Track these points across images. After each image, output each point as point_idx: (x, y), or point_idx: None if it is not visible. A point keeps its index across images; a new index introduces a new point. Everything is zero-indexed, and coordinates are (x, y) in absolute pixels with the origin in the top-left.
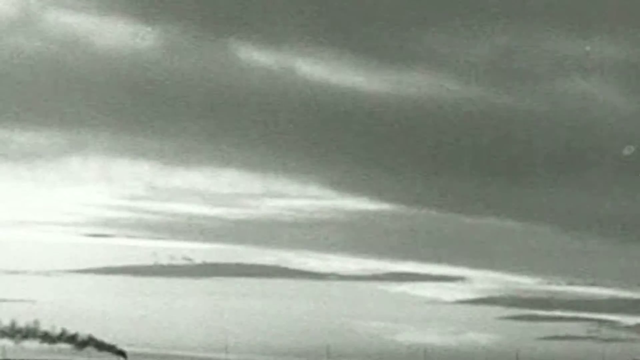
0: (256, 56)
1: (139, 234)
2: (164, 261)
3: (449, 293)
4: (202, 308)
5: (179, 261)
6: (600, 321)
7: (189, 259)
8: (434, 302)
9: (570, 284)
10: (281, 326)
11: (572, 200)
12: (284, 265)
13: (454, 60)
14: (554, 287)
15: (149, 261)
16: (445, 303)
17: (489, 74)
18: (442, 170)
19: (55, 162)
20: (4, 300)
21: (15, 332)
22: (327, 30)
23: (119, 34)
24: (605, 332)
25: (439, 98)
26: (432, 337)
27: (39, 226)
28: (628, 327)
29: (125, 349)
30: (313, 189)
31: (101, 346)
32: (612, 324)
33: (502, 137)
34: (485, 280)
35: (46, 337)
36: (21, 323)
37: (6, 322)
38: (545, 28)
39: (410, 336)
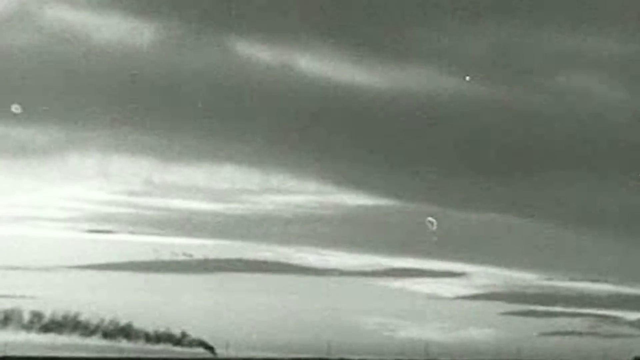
0: (255, 52)
1: (138, 230)
2: (166, 257)
3: (450, 289)
4: (203, 304)
5: (180, 257)
6: (602, 317)
7: (190, 255)
8: (434, 297)
9: (572, 279)
10: (282, 322)
11: (573, 195)
12: (283, 261)
13: (453, 55)
14: (556, 283)
15: (150, 257)
16: (446, 299)
17: (487, 69)
18: (442, 166)
19: (54, 158)
20: (5, 297)
21: (56, 326)
22: (326, 26)
23: (116, 30)
24: (607, 327)
25: (438, 93)
26: (432, 333)
27: (38, 222)
28: (630, 323)
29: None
30: (312, 185)
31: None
32: (614, 320)
33: (502, 132)
34: (485, 276)
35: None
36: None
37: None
38: (544, 23)
39: (410, 332)
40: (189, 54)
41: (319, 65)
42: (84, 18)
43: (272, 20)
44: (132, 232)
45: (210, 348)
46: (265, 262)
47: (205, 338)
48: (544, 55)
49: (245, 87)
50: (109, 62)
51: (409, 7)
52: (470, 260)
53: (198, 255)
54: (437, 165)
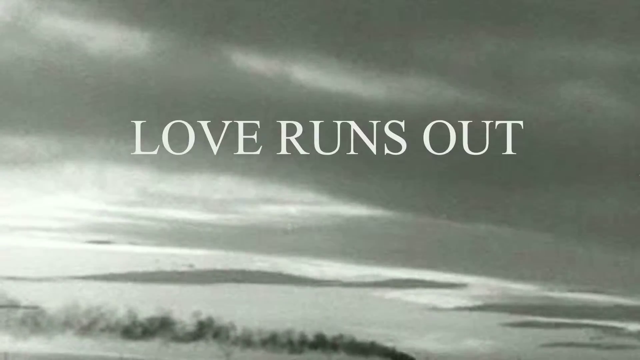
0: (250, 62)
1: (135, 240)
2: (167, 268)
3: (449, 300)
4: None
5: (180, 267)
6: (603, 328)
7: (191, 265)
8: (432, 308)
9: (572, 290)
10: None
11: (573, 206)
12: (279, 271)
13: (449, 66)
14: (556, 294)
15: (150, 268)
16: (444, 310)
17: (484, 79)
18: (439, 177)
19: (51, 168)
20: (4, 307)
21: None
22: (321, 37)
23: (112, 40)
24: (608, 339)
25: (434, 103)
26: (431, 344)
27: (34, 232)
28: (631, 334)
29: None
30: (308, 195)
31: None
32: (615, 331)
33: (499, 142)
34: (485, 287)
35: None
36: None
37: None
38: (541, 34)
39: (409, 343)
40: (184, 64)
41: (313, 75)
42: (79, 28)
43: (268, 30)
44: (131, 243)
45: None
46: (261, 273)
47: (206, 349)
48: (541, 66)
49: (240, 97)
50: (104, 71)
51: (405, 19)
52: (470, 271)
53: (198, 265)
54: (435, 176)
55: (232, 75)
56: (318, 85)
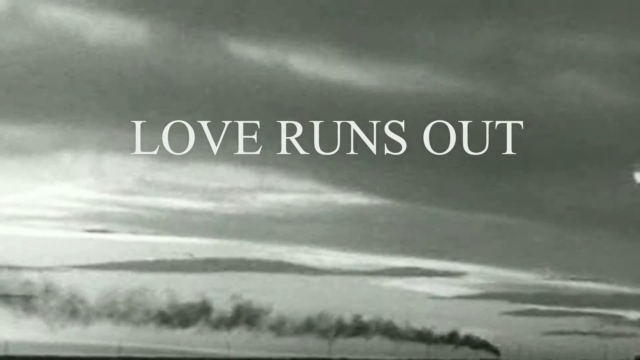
0: (248, 51)
1: (133, 229)
2: (167, 257)
3: (447, 288)
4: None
5: (181, 256)
6: (603, 316)
7: (190, 254)
8: (432, 297)
9: (573, 279)
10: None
11: (573, 195)
12: (277, 260)
13: (447, 55)
14: (557, 283)
15: (149, 256)
16: (444, 298)
17: (483, 68)
18: (437, 165)
19: (47, 157)
20: (7, 296)
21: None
22: (319, 26)
23: (110, 29)
24: (609, 327)
25: (432, 92)
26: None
27: (33, 221)
28: (631, 322)
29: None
30: (307, 184)
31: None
32: (616, 319)
33: (498, 132)
34: (485, 276)
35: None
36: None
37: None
38: (540, 23)
39: None
40: (182, 53)
41: (312, 64)
42: (76, 17)
43: (266, 19)
44: (130, 232)
45: (495, 351)
46: (260, 261)
47: (207, 338)
48: (540, 55)
49: (238, 86)
50: (101, 61)
51: (403, 7)
52: (470, 259)
53: (197, 254)
54: (432, 164)
55: (230, 64)
56: (316, 74)
